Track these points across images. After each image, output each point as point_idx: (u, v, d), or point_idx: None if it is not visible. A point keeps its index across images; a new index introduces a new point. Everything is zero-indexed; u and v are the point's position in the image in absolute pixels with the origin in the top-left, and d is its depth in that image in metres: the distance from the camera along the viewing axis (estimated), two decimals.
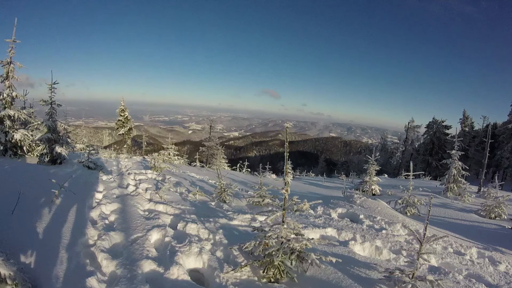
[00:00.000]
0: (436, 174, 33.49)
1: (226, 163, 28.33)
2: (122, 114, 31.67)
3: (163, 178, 12.65)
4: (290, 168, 28.63)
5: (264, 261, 4.74)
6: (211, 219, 7.23)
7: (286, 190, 4.70)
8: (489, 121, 39.16)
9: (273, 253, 4.59)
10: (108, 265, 4.59)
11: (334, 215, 9.49)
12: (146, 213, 7.31)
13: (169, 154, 17.87)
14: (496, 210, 11.52)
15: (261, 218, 7.79)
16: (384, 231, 7.63)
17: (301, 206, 4.93)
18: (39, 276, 4.01)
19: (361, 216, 8.99)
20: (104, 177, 10.82)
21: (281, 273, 4.64)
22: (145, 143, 34.27)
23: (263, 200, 9.63)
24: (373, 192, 15.47)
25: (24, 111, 13.23)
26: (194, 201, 9.51)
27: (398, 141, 43.39)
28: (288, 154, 4.86)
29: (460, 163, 16.11)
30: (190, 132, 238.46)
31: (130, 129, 32.32)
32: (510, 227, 9.97)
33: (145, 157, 24.18)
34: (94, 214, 6.80)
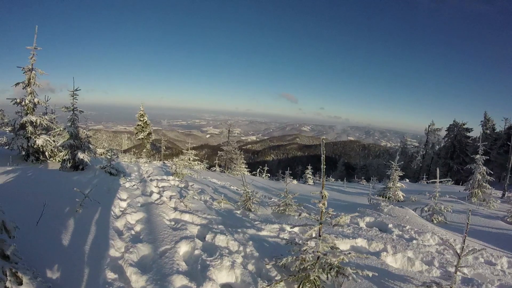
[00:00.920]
0: (458, 178, 32.73)
1: (246, 168, 28.14)
2: (142, 119, 31.93)
3: (186, 185, 12.51)
4: (311, 173, 28.33)
5: (299, 276, 4.51)
6: (239, 230, 7.01)
7: (323, 204, 4.47)
8: (511, 122, 38.30)
9: (308, 267, 4.38)
10: (137, 280, 4.39)
11: (362, 224, 9.16)
12: (172, 223, 7.12)
13: (189, 159, 17.77)
14: None
15: (290, 228, 7.54)
16: (414, 241, 7.31)
17: (339, 220, 4.69)
18: None
19: (390, 225, 8.64)
20: (127, 184, 10.74)
21: None
22: (164, 148, 34.40)
23: (288, 209, 9.43)
24: (397, 199, 15.08)
25: (46, 117, 13.31)
26: (219, 209, 9.32)
27: (418, 145, 42.55)
28: (324, 165, 4.60)
29: (484, 167, 15.60)
30: (208, 136, 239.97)
31: (149, 133, 32.56)
32: None
33: (165, 162, 24.18)
34: (120, 224, 6.64)
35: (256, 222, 8.01)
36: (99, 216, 6.62)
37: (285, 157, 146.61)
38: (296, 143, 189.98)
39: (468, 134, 38.00)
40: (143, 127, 32.15)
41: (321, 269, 4.42)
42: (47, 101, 13.62)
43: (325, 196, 4.47)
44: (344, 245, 6.78)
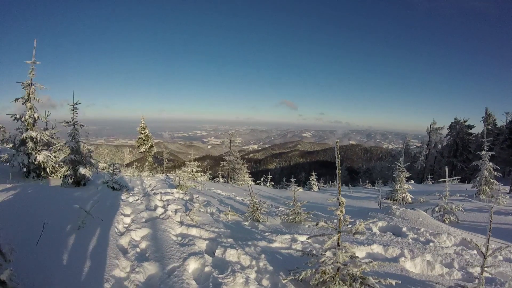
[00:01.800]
0: (462, 176, 32.44)
1: (250, 177, 27.89)
2: (143, 132, 31.85)
3: (191, 197, 12.28)
4: (315, 179, 28.04)
5: None
6: (249, 242, 6.70)
7: (341, 211, 4.19)
8: None
9: (328, 280, 4.10)
10: None
11: (375, 229, 8.90)
12: (179, 238, 6.80)
13: (192, 171, 17.52)
14: None
15: (301, 238, 7.30)
16: (431, 244, 7.10)
17: (357, 227, 4.40)
18: None
19: (404, 229, 8.41)
20: (131, 199, 10.45)
21: None
22: (166, 160, 34.22)
23: (298, 217, 9.22)
24: (405, 201, 14.83)
25: (46, 132, 13.10)
26: (227, 221, 9.04)
27: (421, 145, 42.33)
28: (339, 170, 4.33)
29: (491, 163, 15.44)
30: (209, 147, 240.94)
31: (151, 146, 32.46)
32: None
33: (168, 174, 23.97)
34: (124, 241, 6.33)
35: (266, 234, 7.72)
36: (102, 233, 6.31)
37: (288, 165, 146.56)
38: (298, 150, 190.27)
39: (470, 131, 37.94)
40: (144, 140, 32.08)
41: (343, 282, 4.14)
42: (47, 116, 13.45)
43: (343, 203, 4.19)
44: (359, 252, 6.52)
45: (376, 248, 6.72)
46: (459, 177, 27.13)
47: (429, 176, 31.94)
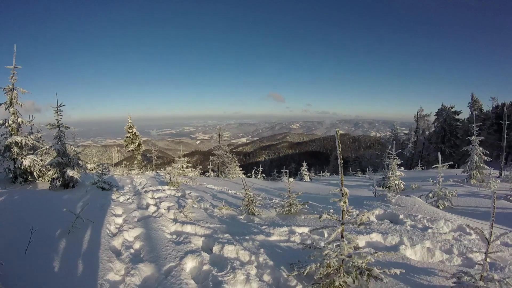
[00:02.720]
0: (450, 161, 32.75)
1: (241, 170, 27.78)
2: (130, 131, 31.53)
3: (183, 193, 12.08)
4: (306, 169, 27.97)
5: (324, 283, 4.06)
6: (247, 237, 6.53)
7: (344, 202, 4.04)
8: (498, 101, 38.66)
9: (332, 272, 3.96)
10: None
11: (372, 217, 8.81)
12: (174, 236, 6.60)
13: (182, 167, 17.34)
14: None
15: (299, 230, 7.19)
16: (429, 230, 7.05)
17: (361, 218, 4.26)
18: None
19: (401, 216, 8.34)
20: (121, 198, 10.24)
21: None
22: (155, 157, 33.96)
23: (294, 209, 9.13)
24: (398, 188, 14.82)
25: (31, 136, 12.77)
26: (222, 216, 8.86)
27: (408, 132, 42.66)
28: (341, 160, 4.15)
29: (481, 148, 15.53)
30: (198, 142, 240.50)
31: (139, 144, 32.16)
32: None
33: (158, 171, 23.78)
34: (117, 242, 6.10)
35: (263, 227, 7.56)
36: (93, 236, 6.09)
37: (277, 156, 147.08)
38: (287, 141, 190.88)
39: (457, 117, 38.30)
40: (132, 138, 31.75)
41: (347, 274, 4.03)
42: (32, 120, 13.12)
43: (346, 194, 4.04)
44: (359, 242, 6.38)
45: (375, 237, 6.63)
46: (451, 163, 27.42)
47: (419, 163, 32.15)
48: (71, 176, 11.25)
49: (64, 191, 10.87)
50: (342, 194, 4.04)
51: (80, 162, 12.69)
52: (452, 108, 38.17)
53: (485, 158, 15.51)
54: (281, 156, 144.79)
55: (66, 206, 6.95)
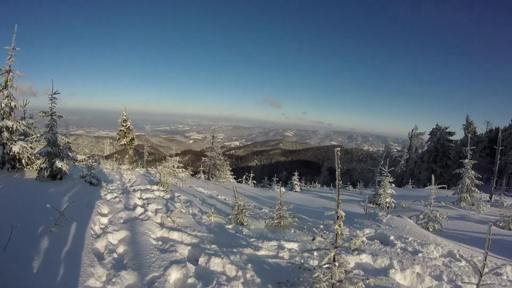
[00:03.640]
0: (440, 181, 32.96)
1: (232, 175, 27.61)
2: (124, 124, 31.31)
3: (172, 195, 11.88)
4: (297, 179, 27.84)
5: None
6: (234, 250, 6.36)
7: (339, 225, 3.89)
8: (492, 125, 39.10)
9: None
10: None
11: (363, 237, 8.69)
12: (160, 243, 6.40)
13: (173, 167, 17.15)
14: None
15: (288, 245, 7.05)
16: (420, 254, 6.94)
17: (355, 242, 4.12)
18: None
19: (392, 238, 8.24)
20: (109, 196, 9.99)
21: None
22: (147, 154, 33.72)
23: (283, 222, 9.08)
24: (390, 207, 14.76)
25: (23, 122, 12.52)
26: (210, 224, 8.68)
27: (401, 149, 43.01)
28: (340, 181, 4.01)
29: (473, 172, 15.57)
30: (191, 141, 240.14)
31: (132, 139, 31.96)
32: None
33: (149, 169, 23.56)
34: (100, 245, 5.90)
35: (251, 239, 7.40)
36: (77, 236, 5.88)
37: (269, 163, 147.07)
38: (280, 148, 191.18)
39: (450, 137, 38.71)
40: (125, 132, 31.54)
41: None
42: (26, 105, 12.85)
43: (341, 217, 3.90)
44: (348, 261, 6.27)
45: (365, 258, 6.52)
46: (445, 186, 27.54)
47: (410, 180, 32.27)
48: (60, 168, 11.01)
49: (51, 182, 10.63)
50: (338, 217, 3.89)
51: (70, 153, 12.46)
52: (446, 128, 38.68)
53: (477, 182, 15.53)
54: (273, 163, 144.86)
55: (51, 200, 6.77)
